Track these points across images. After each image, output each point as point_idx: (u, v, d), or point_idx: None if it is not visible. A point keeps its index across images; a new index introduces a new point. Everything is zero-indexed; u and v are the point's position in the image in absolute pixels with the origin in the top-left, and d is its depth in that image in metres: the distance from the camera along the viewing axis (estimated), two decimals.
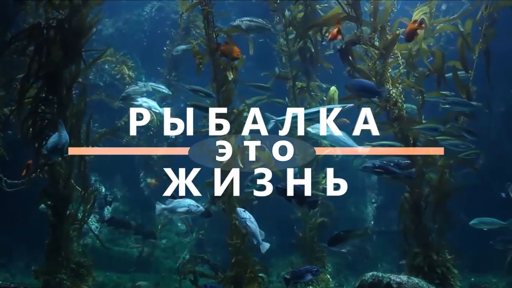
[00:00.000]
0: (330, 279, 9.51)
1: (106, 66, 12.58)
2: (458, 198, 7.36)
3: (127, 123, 11.87)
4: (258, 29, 7.14)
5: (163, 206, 6.51)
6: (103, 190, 12.29)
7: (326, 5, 8.71)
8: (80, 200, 6.96)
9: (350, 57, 7.08)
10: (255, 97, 9.12)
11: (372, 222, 12.57)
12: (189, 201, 6.45)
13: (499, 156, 10.17)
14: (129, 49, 13.07)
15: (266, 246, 5.42)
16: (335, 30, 7.07)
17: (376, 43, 7.06)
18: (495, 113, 10.19)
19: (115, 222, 9.66)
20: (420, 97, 7.24)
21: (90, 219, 11.25)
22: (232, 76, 6.80)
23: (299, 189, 5.52)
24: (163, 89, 9.86)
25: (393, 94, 6.97)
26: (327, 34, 7.87)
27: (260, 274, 7.05)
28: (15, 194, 7.60)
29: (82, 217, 6.99)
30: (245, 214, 5.50)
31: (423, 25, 6.74)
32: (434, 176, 7.24)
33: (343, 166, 11.86)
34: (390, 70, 7.05)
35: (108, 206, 11.79)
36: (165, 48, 12.66)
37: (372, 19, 7.05)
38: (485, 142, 8.89)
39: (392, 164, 6.08)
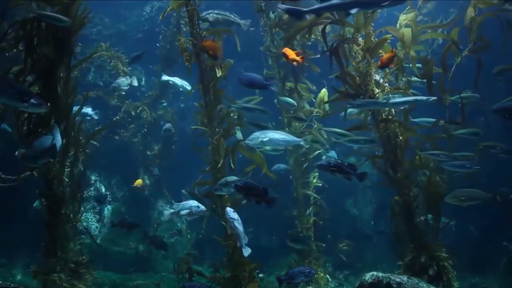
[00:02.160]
0: (330, 279, 9.52)
1: (107, 67, 12.61)
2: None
3: (123, 119, 11.97)
4: (226, 23, 7.18)
5: (171, 210, 6.51)
6: (103, 189, 12.30)
7: None
8: (73, 199, 6.96)
9: (341, 58, 7.07)
10: (246, 98, 9.14)
11: (372, 222, 12.56)
12: (191, 202, 6.46)
13: (498, 158, 10.15)
14: (129, 48, 13.06)
15: (247, 250, 5.41)
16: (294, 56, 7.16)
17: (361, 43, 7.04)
18: (494, 116, 10.16)
19: (127, 224, 9.85)
20: None
21: (90, 219, 11.42)
22: (220, 74, 6.78)
23: (257, 187, 5.54)
24: (186, 85, 10.46)
25: (377, 95, 6.95)
26: (312, 37, 7.89)
27: (260, 275, 7.05)
28: (15, 193, 7.61)
29: (74, 216, 6.96)
30: (234, 215, 5.50)
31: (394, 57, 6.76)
32: (425, 179, 7.23)
33: None
34: (374, 71, 7.01)
35: (107, 206, 11.83)
36: (158, 45, 12.69)
37: (355, 20, 6.98)
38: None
39: (346, 164, 6.26)
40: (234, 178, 6.11)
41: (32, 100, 5.07)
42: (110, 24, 14.47)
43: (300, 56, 7.10)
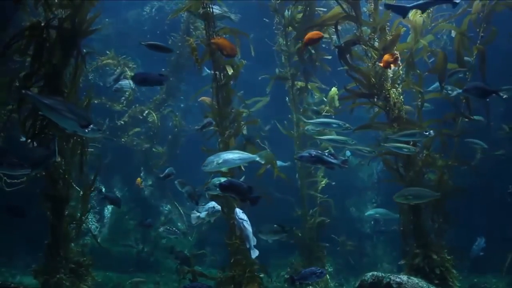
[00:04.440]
0: (329, 279, 9.53)
1: (107, 67, 12.59)
2: (458, 198, 7.39)
3: (128, 123, 12.00)
4: (218, 17, 7.26)
5: (198, 214, 6.48)
6: (103, 190, 12.29)
7: (325, 9, 8.71)
8: (84, 200, 6.97)
9: (348, 56, 7.09)
10: (254, 98, 9.14)
11: (372, 222, 12.56)
12: (210, 204, 6.44)
13: (500, 156, 10.18)
14: (128, 49, 13.05)
15: (255, 252, 5.39)
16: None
17: (376, 44, 7.08)
18: (496, 113, 10.19)
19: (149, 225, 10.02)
20: (420, 97, 7.27)
21: (90, 219, 11.41)
22: (232, 71, 6.79)
23: (241, 186, 5.56)
24: None
25: (392, 95, 6.98)
26: (326, 35, 7.89)
27: (260, 275, 7.05)
28: (15, 193, 7.60)
29: (80, 216, 6.96)
30: (244, 216, 5.49)
31: (398, 62, 6.70)
32: (433, 176, 7.24)
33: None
34: (389, 70, 7.04)
35: (107, 206, 11.82)
36: None
37: (371, 20, 7.05)
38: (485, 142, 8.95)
39: (327, 154, 6.25)
40: (226, 178, 6.11)
41: (91, 126, 5.22)
42: (109, 24, 14.43)
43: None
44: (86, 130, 5.24)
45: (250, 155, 6.28)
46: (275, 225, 7.42)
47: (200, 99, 8.48)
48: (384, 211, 9.98)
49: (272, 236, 7.51)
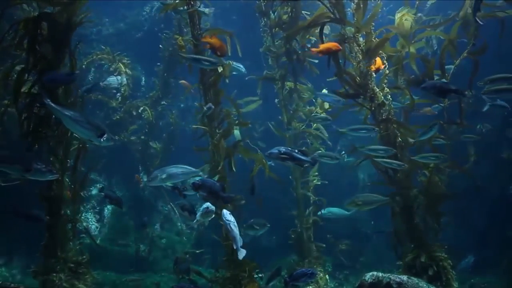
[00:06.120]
0: (329, 279, 9.53)
1: (106, 66, 12.61)
2: (454, 200, 7.37)
3: (123, 119, 12.00)
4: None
5: (196, 217, 6.53)
6: (104, 189, 12.31)
7: (309, 12, 8.71)
8: (74, 200, 6.97)
9: (338, 58, 7.08)
10: (247, 98, 9.14)
11: (372, 222, 12.56)
12: (205, 204, 6.48)
13: (499, 158, 10.17)
14: (128, 48, 13.08)
15: (242, 252, 5.41)
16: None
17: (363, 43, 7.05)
18: (495, 116, 10.18)
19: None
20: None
21: (90, 219, 11.43)
22: (222, 69, 6.78)
23: (214, 185, 5.61)
24: (241, 68, 10.52)
25: (378, 95, 6.96)
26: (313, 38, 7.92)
27: (259, 275, 7.05)
28: (15, 193, 7.60)
29: (74, 216, 6.97)
30: (230, 217, 5.51)
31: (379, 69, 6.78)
32: (424, 179, 7.23)
33: (341, 166, 11.86)
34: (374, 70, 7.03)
35: (107, 206, 11.84)
36: (160, 46, 12.68)
37: (355, 19, 6.99)
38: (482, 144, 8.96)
39: (297, 151, 6.25)
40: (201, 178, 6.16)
41: (105, 136, 5.44)
42: (109, 24, 14.48)
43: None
44: (101, 140, 5.45)
45: (193, 169, 6.38)
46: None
47: (181, 81, 8.36)
48: (338, 210, 10.06)
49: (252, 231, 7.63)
